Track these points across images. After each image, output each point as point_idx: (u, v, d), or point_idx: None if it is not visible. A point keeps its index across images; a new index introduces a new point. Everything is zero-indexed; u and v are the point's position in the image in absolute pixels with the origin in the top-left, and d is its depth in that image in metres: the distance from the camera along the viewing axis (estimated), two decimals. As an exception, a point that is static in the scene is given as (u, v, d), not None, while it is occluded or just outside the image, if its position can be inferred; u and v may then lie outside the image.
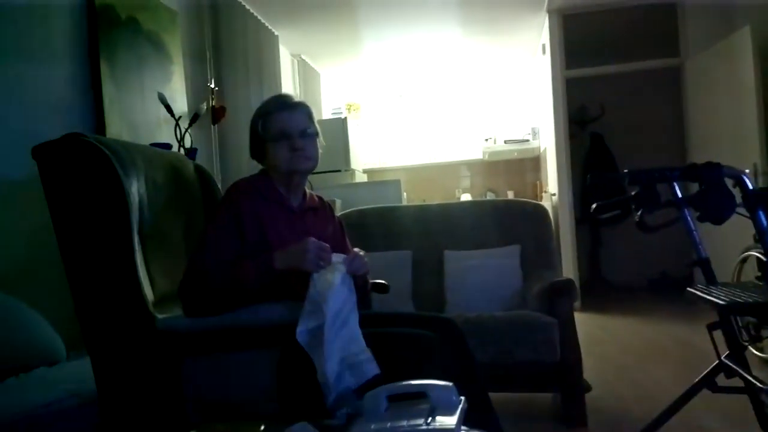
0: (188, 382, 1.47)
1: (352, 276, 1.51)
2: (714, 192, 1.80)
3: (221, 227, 1.55)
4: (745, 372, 1.81)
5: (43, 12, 2.48)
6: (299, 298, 1.43)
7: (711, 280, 1.98)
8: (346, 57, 6.32)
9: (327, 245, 1.49)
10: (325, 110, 6.72)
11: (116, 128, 2.81)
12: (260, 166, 1.74)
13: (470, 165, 7.55)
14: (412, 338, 1.56)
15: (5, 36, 2.27)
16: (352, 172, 5.92)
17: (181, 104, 3.48)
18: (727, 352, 1.92)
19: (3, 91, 2.24)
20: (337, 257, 1.50)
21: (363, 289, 1.67)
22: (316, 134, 1.70)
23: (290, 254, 1.47)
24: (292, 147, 1.62)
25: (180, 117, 3.24)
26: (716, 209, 1.79)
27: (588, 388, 2.44)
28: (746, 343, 2.46)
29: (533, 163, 7.43)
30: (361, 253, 1.60)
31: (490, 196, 7.32)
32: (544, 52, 5.66)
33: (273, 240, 1.57)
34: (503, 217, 3.08)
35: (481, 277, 2.84)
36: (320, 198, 1.86)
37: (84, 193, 1.45)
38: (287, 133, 1.62)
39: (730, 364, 1.88)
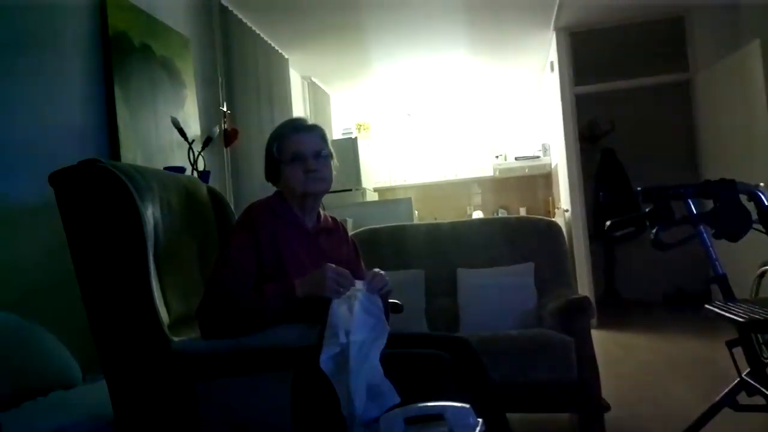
0: (203, 404, 1.47)
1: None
2: (729, 208, 1.78)
3: (240, 249, 1.56)
4: (767, 390, 1.78)
5: (58, 39, 2.53)
6: (315, 322, 1.42)
7: (729, 296, 1.96)
8: (355, 79, 6.39)
9: (346, 271, 1.50)
10: (335, 131, 6.78)
11: (131, 152, 2.84)
12: (273, 189, 1.76)
13: (481, 182, 7.55)
14: (427, 359, 1.55)
15: (21, 62, 2.32)
16: (363, 191, 5.95)
17: (194, 128, 3.52)
18: (748, 369, 1.89)
19: (19, 116, 2.28)
20: (357, 283, 1.50)
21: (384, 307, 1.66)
22: (330, 156, 1.72)
23: (310, 281, 1.47)
24: (306, 169, 1.64)
25: (193, 140, 3.27)
26: (732, 226, 1.78)
27: (607, 408, 2.40)
28: (767, 360, 2.42)
29: (545, 179, 7.41)
30: (381, 272, 1.60)
31: (501, 213, 7.31)
32: (552, 69, 5.68)
33: (289, 261, 1.58)
34: (516, 235, 3.07)
35: (495, 296, 2.82)
36: (334, 219, 1.87)
37: (100, 218, 1.47)
38: (301, 155, 1.64)
39: (752, 381, 1.85)
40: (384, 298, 1.58)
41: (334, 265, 1.48)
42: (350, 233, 3.29)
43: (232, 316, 1.47)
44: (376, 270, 1.61)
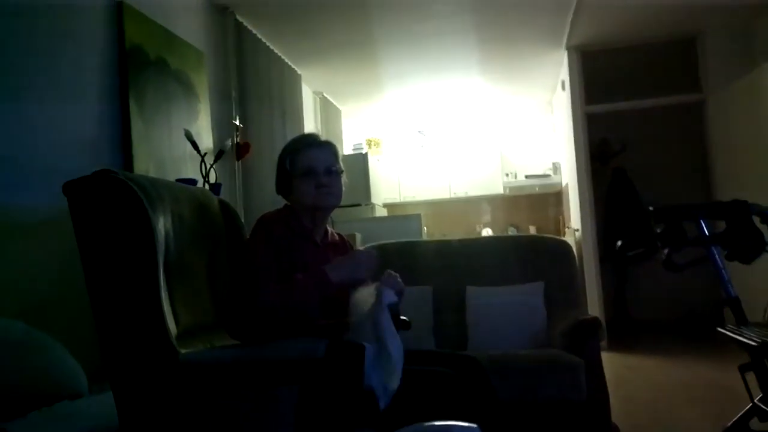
0: (210, 417, 1.46)
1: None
2: (741, 230, 1.77)
3: (266, 258, 1.56)
4: (781, 416, 1.75)
5: (74, 52, 2.57)
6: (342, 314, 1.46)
7: (742, 319, 1.93)
8: (366, 95, 6.44)
9: (374, 251, 1.54)
10: (346, 146, 6.81)
11: (143, 164, 2.87)
12: (283, 202, 1.77)
13: (491, 200, 7.54)
14: (435, 376, 1.55)
15: (38, 74, 2.36)
16: (373, 206, 5.96)
17: (206, 141, 3.55)
18: (761, 394, 1.86)
19: (34, 127, 2.31)
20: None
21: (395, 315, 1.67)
22: (341, 172, 1.74)
23: (343, 265, 1.55)
24: (317, 183, 1.66)
25: (206, 153, 3.30)
26: (744, 247, 1.76)
27: (616, 431, 2.36)
28: (781, 386, 2.38)
29: (555, 198, 7.39)
30: (394, 273, 1.63)
31: (511, 231, 7.29)
32: (563, 88, 5.69)
33: (299, 272, 1.58)
34: (526, 253, 3.05)
35: (503, 314, 2.80)
36: (340, 235, 1.90)
37: (112, 228, 1.47)
38: (313, 169, 1.67)
39: (764, 407, 1.82)
40: (392, 310, 1.59)
41: (360, 249, 1.53)
42: (359, 248, 3.30)
43: (271, 313, 1.47)
44: (389, 271, 1.63)
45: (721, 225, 1.91)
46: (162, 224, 1.55)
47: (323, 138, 1.78)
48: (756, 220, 1.85)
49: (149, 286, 1.45)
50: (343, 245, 1.87)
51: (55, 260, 2.24)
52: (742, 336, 1.76)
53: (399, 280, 1.63)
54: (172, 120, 3.19)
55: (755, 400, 1.87)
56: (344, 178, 1.77)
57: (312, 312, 1.50)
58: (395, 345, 1.42)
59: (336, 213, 1.84)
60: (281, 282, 1.53)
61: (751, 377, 1.86)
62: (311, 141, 1.74)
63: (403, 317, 1.98)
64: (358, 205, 5.70)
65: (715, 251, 1.93)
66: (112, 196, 1.47)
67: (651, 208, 1.89)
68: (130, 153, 2.79)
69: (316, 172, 1.67)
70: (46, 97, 2.38)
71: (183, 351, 1.46)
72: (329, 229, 1.83)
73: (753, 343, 1.68)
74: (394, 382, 1.35)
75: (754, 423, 1.88)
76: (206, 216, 1.85)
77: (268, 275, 1.52)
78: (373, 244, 3.30)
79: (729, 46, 4.91)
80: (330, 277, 1.50)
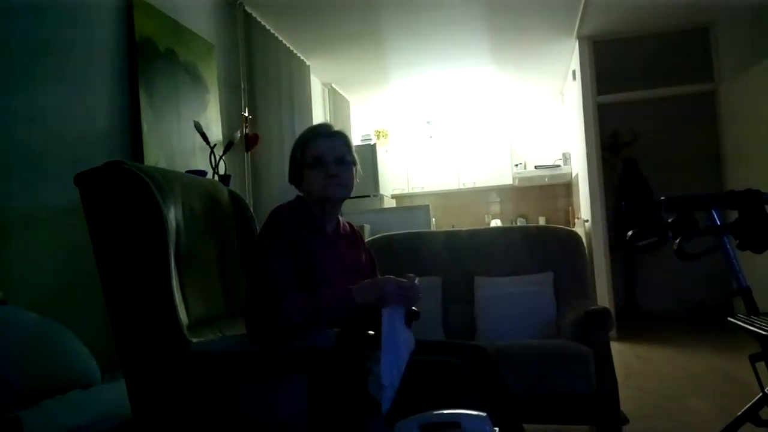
0: (221, 405, 1.48)
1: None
2: (754, 219, 1.75)
3: (281, 255, 1.54)
4: (792, 406, 1.74)
5: (85, 44, 2.59)
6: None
7: (753, 309, 1.92)
8: (375, 86, 6.42)
9: (405, 282, 1.52)
10: (354, 137, 6.79)
11: (154, 155, 2.88)
12: (293, 193, 1.77)
13: (500, 190, 7.52)
14: (445, 366, 1.55)
15: (49, 66, 2.37)
16: (381, 197, 5.95)
17: (216, 132, 3.56)
18: (772, 385, 1.85)
19: (45, 119, 2.32)
20: None
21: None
22: (353, 163, 1.73)
23: (370, 291, 1.49)
24: (327, 174, 1.65)
25: (215, 145, 3.31)
26: (757, 237, 1.75)
27: (625, 421, 2.36)
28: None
29: (565, 188, 7.35)
30: (416, 281, 1.59)
31: (520, 222, 7.26)
32: (574, 78, 5.65)
33: (313, 266, 1.58)
34: (535, 244, 3.04)
35: (512, 305, 2.80)
36: (351, 225, 1.88)
37: (124, 218, 1.49)
38: (323, 159, 1.66)
39: (776, 397, 1.81)
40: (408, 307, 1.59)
41: (392, 277, 1.51)
42: (367, 239, 3.31)
43: (295, 326, 1.44)
44: (412, 276, 1.60)
45: (732, 215, 1.89)
46: (173, 215, 1.57)
47: (337, 128, 1.77)
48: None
49: (161, 277, 1.46)
50: (354, 236, 1.86)
51: (68, 251, 2.27)
52: (753, 326, 1.75)
53: (418, 286, 1.59)
54: (181, 111, 3.20)
55: (765, 390, 1.86)
56: (357, 170, 1.75)
57: (332, 326, 1.47)
58: (404, 342, 1.43)
59: (344, 204, 1.84)
60: (301, 289, 1.51)
61: (761, 367, 1.85)
62: (322, 131, 1.73)
63: (413, 308, 1.99)
64: (367, 196, 5.70)
65: (726, 241, 1.92)
66: (124, 187, 1.48)
67: (662, 198, 1.88)
68: (140, 144, 2.80)
69: (326, 161, 1.66)
70: (56, 90, 2.39)
71: (194, 340, 1.47)
72: (341, 219, 1.82)
73: (764, 333, 1.67)
74: (396, 379, 1.36)
75: (765, 413, 1.87)
76: (217, 207, 1.86)
77: (288, 285, 1.49)
78: (382, 234, 3.30)
79: (741, 36, 4.85)
80: (356, 299, 1.46)
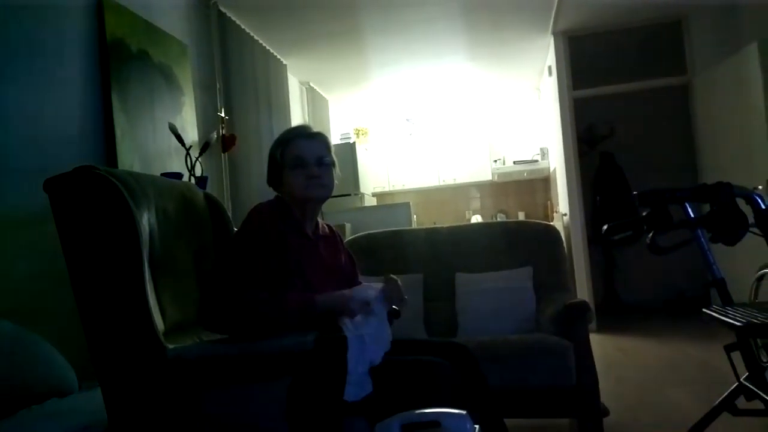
0: (200, 412, 1.46)
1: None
2: (725, 212, 1.78)
3: (253, 252, 1.53)
4: (766, 394, 1.77)
5: (55, 45, 2.53)
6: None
7: (727, 300, 1.95)
8: (353, 84, 6.40)
9: (369, 301, 1.53)
10: (333, 136, 6.78)
11: (128, 159, 2.84)
12: (273, 194, 1.76)
13: (480, 186, 7.55)
14: (426, 366, 1.55)
15: (17, 68, 2.32)
16: (362, 195, 5.95)
17: (191, 134, 3.52)
18: (747, 373, 1.89)
19: (16, 122, 2.28)
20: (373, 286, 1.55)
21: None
22: (333, 164, 1.73)
23: (333, 302, 1.52)
24: (307, 175, 1.65)
25: (191, 146, 3.27)
26: (728, 229, 1.77)
27: (606, 413, 2.39)
28: (765, 365, 2.42)
29: (543, 183, 7.41)
30: (399, 283, 1.62)
31: (500, 218, 7.31)
32: (550, 73, 5.69)
33: (291, 266, 1.58)
34: (515, 239, 3.06)
35: (493, 300, 2.81)
36: (330, 227, 1.89)
37: (95, 225, 1.46)
38: (304, 160, 1.66)
39: (750, 386, 1.85)
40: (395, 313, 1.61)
41: (361, 296, 1.53)
42: (348, 238, 3.30)
43: (250, 317, 1.46)
44: (393, 277, 1.62)
45: (707, 207, 1.92)
46: (146, 219, 1.54)
47: (316, 130, 1.76)
48: (740, 201, 1.87)
49: (134, 282, 1.44)
50: (333, 238, 1.86)
51: (41, 258, 2.22)
52: (727, 317, 1.78)
53: (400, 287, 1.61)
54: (156, 113, 3.16)
55: (741, 380, 1.90)
56: (337, 171, 1.75)
57: (290, 325, 1.49)
58: (379, 335, 1.44)
59: (325, 204, 1.83)
60: (269, 284, 1.51)
61: (736, 357, 1.88)
62: (302, 132, 1.72)
63: (394, 306, 1.99)
64: (347, 195, 5.70)
65: (700, 233, 1.95)
66: (94, 193, 1.45)
67: (636, 192, 1.90)
68: (114, 147, 2.76)
69: (307, 163, 1.66)
70: (25, 93, 2.34)
71: (171, 346, 1.46)
72: (319, 221, 1.82)
73: (738, 324, 1.70)
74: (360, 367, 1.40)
75: (741, 401, 1.91)
76: (192, 210, 1.84)
77: (255, 279, 1.49)
78: (363, 233, 3.30)
79: (714, 29, 4.93)
80: (317, 307, 1.49)
